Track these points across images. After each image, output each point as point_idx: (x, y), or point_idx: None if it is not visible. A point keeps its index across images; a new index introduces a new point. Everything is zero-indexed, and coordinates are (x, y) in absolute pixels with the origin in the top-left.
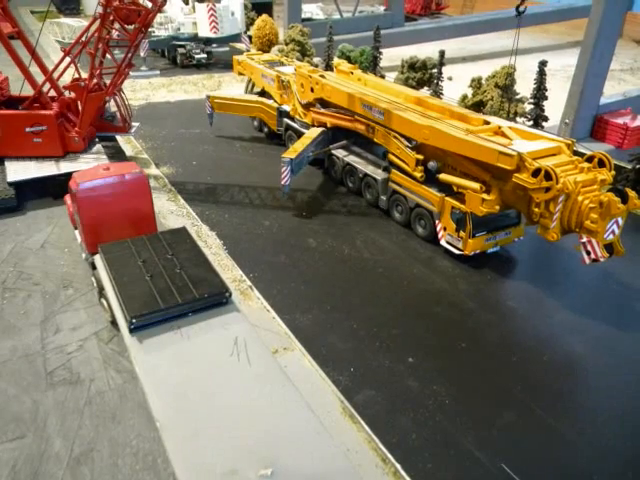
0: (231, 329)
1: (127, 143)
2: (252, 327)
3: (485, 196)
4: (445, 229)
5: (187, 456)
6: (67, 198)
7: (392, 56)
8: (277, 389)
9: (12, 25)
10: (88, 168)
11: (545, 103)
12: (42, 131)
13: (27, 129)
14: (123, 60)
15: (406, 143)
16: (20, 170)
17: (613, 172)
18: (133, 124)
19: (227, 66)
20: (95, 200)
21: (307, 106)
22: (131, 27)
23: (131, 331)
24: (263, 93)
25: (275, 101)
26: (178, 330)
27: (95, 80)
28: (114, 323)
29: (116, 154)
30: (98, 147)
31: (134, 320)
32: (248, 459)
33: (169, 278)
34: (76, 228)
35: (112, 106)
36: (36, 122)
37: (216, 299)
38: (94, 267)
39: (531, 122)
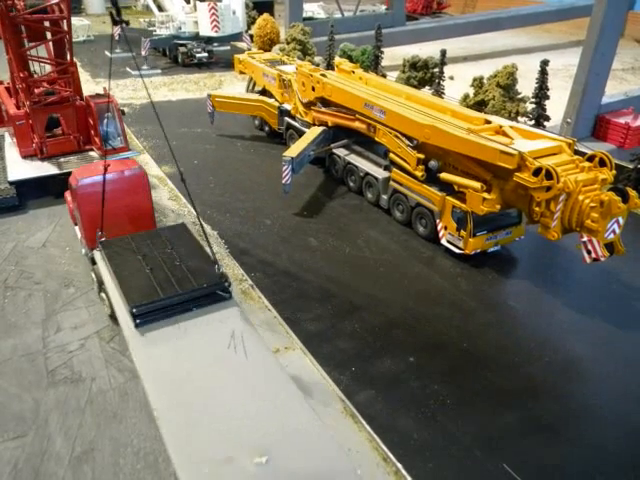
0: (229, 324)
1: (129, 143)
2: (250, 322)
3: (486, 195)
4: (446, 228)
5: (183, 444)
6: (67, 194)
7: (394, 55)
8: (274, 383)
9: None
10: (88, 164)
11: (547, 102)
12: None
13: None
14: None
15: (407, 142)
16: (21, 169)
17: (614, 171)
18: (130, 151)
19: (228, 65)
20: (94, 196)
21: (308, 105)
22: None
23: (134, 321)
24: (264, 92)
25: (276, 100)
26: (177, 324)
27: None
28: (113, 317)
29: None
30: (90, 154)
31: (134, 310)
32: (244, 449)
33: (169, 270)
34: (76, 224)
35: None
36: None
37: (215, 288)
38: (94, 262)
39: (533, 121)
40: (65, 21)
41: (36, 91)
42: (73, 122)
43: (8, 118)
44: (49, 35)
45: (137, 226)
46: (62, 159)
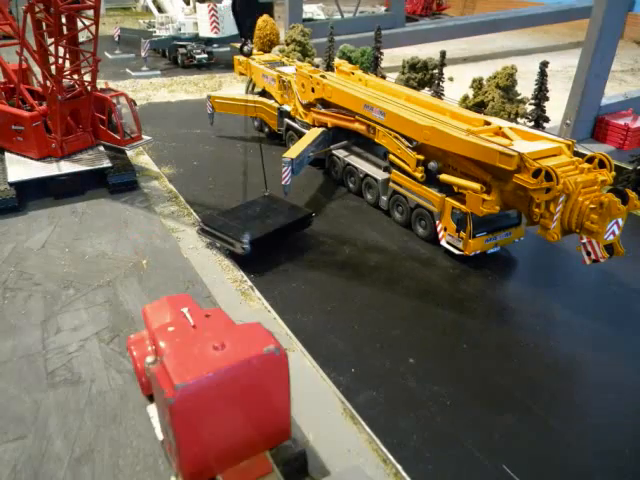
0: None
1: None
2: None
3: (485, 196)
4: (445, 229)
5: None
6: (132, 345)
7: (393, 57)
8: None
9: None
10: (180, 327)
11: (546, 104)
12: (22, 131)
13: (12, 126)
14: (58, 52)
15: (407, 143)
16: (21, 170)
17: (613, 173)
18: (144, 138)
19: (228, 66)
20: (203, 410)
21: (308, 106)
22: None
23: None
24: (264, 93)
25: (276, 101)
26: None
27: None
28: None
29: (118, 154)
30: (99, 149)
31: (245, 242)
32: None
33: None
34: (152, 400)
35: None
36: (17, 122)
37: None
38: None
39: (532, 123)
40: (94, 11)
41: (63, 83)
42: (88, 116)
43: (21, 121)
44: (65, 29)
45: (265, 441)
46: (75, 157)
